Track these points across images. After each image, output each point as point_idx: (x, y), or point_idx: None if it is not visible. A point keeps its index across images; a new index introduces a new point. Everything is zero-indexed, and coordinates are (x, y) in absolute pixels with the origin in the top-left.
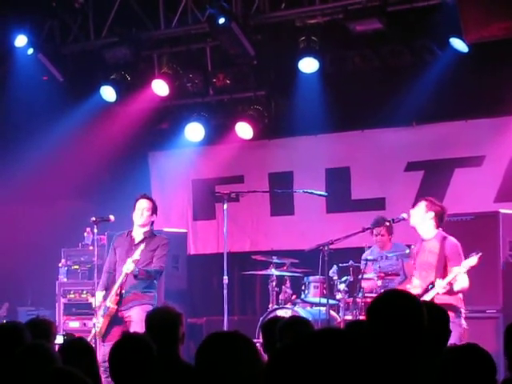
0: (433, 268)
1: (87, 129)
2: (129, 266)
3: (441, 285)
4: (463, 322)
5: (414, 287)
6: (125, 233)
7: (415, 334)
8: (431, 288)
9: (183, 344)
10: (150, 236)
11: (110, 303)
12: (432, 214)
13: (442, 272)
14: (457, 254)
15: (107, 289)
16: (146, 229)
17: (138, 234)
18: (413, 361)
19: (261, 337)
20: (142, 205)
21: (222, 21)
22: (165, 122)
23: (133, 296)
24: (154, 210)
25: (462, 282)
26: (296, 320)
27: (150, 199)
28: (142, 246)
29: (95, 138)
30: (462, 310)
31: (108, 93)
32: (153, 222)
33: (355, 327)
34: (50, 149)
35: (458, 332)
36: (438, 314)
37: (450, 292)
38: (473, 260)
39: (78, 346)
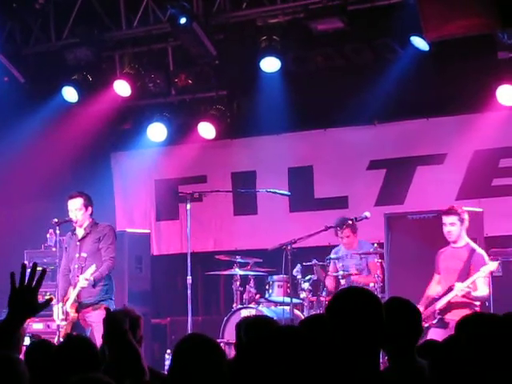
0: (457, 274)
1: (49, 130)
2: (82, 284)
3: (460, 287)
4: None
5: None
6: (70, 231)
7: (374, 330)
8: (449, 291)
9: (141, 347)
10: (92, 227)
11: (71, 311)
12: (466, 223)
13: (465, 277)
14: (482, 263)
15: (63, 297)
16: (86, 223)
17: (79, 230)
18: (373, 357)
19: (225, 337)
20: (72, 206)
21: (183, 21)
22: (127, 122)
23: (92, 301)
24: (87, 204)
25: (481, 289)
26: (261, 319)
27: (79, 195)
28: (91, 269)
29: (57, 139)
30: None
31: (69, 93)
32: (91, 214)
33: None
34: (11, 150)
35: None
36: (408, 312)
37: (469, 297)
38: (493, 265)
39: (44, 349)
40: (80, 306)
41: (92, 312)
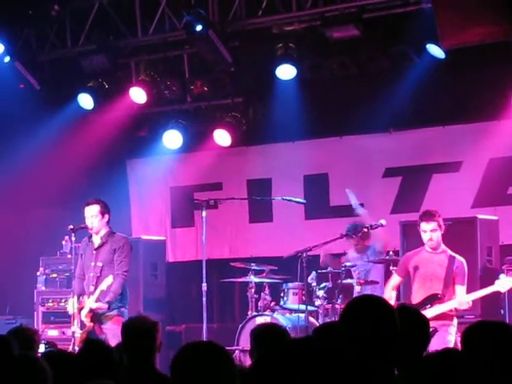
0: (440, 280)
1: (65, 137)
2: (92, 305)
3: (464, 300)
4: (452, 330)
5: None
6: (87, 239)
7: (388, 339)
8: (436, 300)
9: (160, 353)
10: (109, 236)
11: (86, 320)
12: (438, 233)
13: (449, 287)
14: (464, 272)
15: (80, 295)
16: (102, 231)
17: (96, 238)
18: (387, 366)
19: (240, 344)
20: (88, 213)
21: (199, 28)
22: (143, 129)
23: (106, 310)
24: (104, 212)
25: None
26: (272, 328)
27: (96, 202)
28: (106, 282)
29: (73, 146)
30: (455, 321)
31: (86, 100)
32: (108, 222)
33: (324, 332)
34: (27, 157)
35: (452, 339)
36: (417, 321)
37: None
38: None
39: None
40: (95, 316)
41: (106, 321)
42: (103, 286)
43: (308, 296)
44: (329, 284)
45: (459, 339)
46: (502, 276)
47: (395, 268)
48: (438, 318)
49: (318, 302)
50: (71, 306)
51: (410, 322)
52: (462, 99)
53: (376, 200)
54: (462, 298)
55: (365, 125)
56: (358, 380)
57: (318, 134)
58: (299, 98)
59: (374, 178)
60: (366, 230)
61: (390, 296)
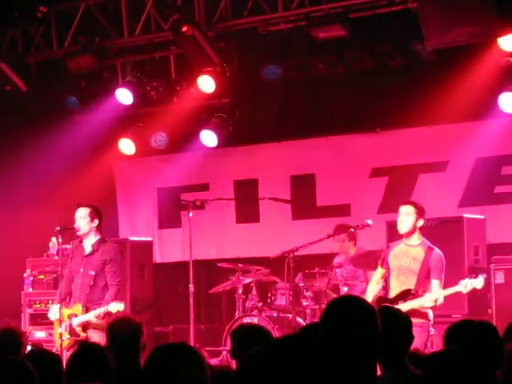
0: (414, 275)
1: (51, 138)
2: (92, 319)
3: (430, 299)
4: (431, 328)
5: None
6: (76, 242)
7: (368, 338)
8: (409, 296)
9: (144, 354)
10: (100, 244)
11: (80, 330)
12: (421, 221)
13: (423, 282)
14: (441, 267)
15: (66, 297)
16: (92, 238)
17: (87, 244)
18: (368, 366)
19: (227, 344)
20: (77, 214)
21: (185, 29)
22: (129, 130)
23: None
24: (94, 216)
25: (441, 298)
26: (253, 328)
27: (87, 205)
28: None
29: (60, 147)
30: (431, 316)
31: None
32: (98, 228)
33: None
34: (13, 157)
35: (425, 337)
36: (399, 320)
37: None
38: (480, 283)
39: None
40: (86, 326)
41: (95, 330)
42: (113, 308)
43: (295, 296)
44: (316, 284)
45: (436, 335)
46: (467, 278)
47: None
48: (411, 314)
49: (305, 303)
50: (53, 313)
51: (391, 321)
52: (448, 99)
53: (363, 200)
54: (429, 296)
55: (351, 125)
56: (340, 379)
57: (304, 134)
58: (285, 98)
59: (361, 178)
60: (352, 229)
61: (372, 288)
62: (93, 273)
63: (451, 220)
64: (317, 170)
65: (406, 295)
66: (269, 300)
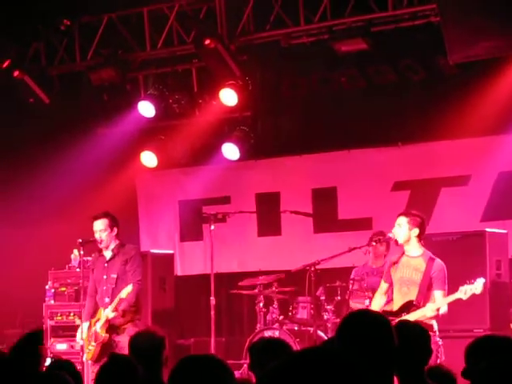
0: (416, 286)
1: (73, 150)
2: (109, 314)
3: (432, 308)
4: (438, 338)
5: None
6: (97, 253)
7: (383, 353)
8: (412, 307)
9: (167, 367)
10: (120, 248)
11: (102, 332)
12: (416, 231)
13: (425, 293)
14: (443, 277)
15: (93, 314)
16: (112, 245)
17: (107, 251)
18: (384, 380)
19: (248, 357)
20: (97, 227)
21: (207, 42)
22: (151, 143)
23: (121, 322)
24: (113, 225)
25: (444, 307)
26: (271, 342)
27: (104, 216)
28: (127, 290)
29: (82, 160)
30: (436, 327)
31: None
32: (117, 234)
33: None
34: (37, 171)
35: (434, 349)
36: (418, 335)
37: (437, 316)
38: (479, 288)
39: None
40: (110, 327)
41: (121, 333)
42: (123, 294)
43: (316, 310)
44: (337, 298)
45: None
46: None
47: None
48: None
49: (326, 316)
50: (80, 335)
51: (409, 335)
52: (471, 113)
53: (385, 213)
54: (431, 306)
55: (373, 138)
56: None
57: (326, 147)
58: (307, 111)
59: (383, 192)
60: (374, 243)
61: (376, 303)
62: (115, 276)
63: (473, 234)
64: (338, 184)
65: (408, 307)
66: (290, 313)
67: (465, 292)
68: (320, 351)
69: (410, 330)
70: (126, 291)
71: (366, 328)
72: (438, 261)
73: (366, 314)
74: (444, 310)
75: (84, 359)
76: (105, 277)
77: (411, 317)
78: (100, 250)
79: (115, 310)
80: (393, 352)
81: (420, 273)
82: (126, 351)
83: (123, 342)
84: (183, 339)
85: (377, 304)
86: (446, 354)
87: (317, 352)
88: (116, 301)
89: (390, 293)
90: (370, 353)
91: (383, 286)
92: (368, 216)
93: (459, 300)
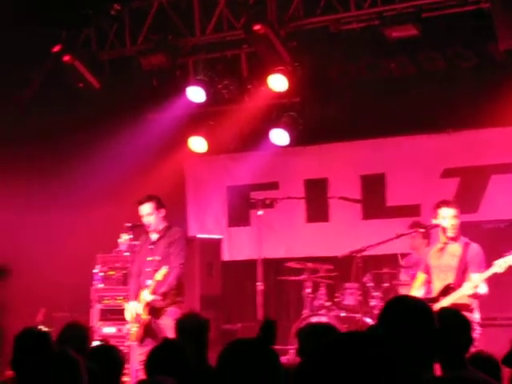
0: (453, 271)
1: (122, 135)
2: (147, 297)
3: (470, 286)
4: (476, 326)
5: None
6: (144, 235)
7: (425, 337)
8: (450, 290)
9: (211, 351)
10: (166, 230)
11: (143, 314)
12: (459, 221)
13: (461, 276)
14: (479, 260)
15: (137, 297)
16: (160, 227)
17: (154, 233)
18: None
19: (295, 343)
20: (142, 211)
21: (257, 27)
22: (200, 128)
23: (161, 304)
24: (159, 207)
25: (482, 287)
26: (320, 327)
27: (149, 200)
28: (161, 272)
29: (131, 144)
30: (477, 316)
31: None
32: (164, 216)
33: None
34: (85, 155)
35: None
36: (459, 322)
37: (476, 296)
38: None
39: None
40: (152, 310)
41: (163, 315)
42: (158, 276)
43: (364, 296)
44: (385, 284)
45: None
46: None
47: None
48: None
49: (373, 303)
50: (129, 313)
51: (450, 322)
52: None
53: (433, 201)
54: (468, 284)
55: (423, 125)
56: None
57: (375, 133)
58: (356, 97)
59: (432, 179)
60: (422, 230)
61: (415, 294)
62: (159, 258)
63: None
64: (387, 170)
65: (446, 290)
66: (337, 299)
67: (499, 266)
68: (362, 336)
69: (450, 316)
70: (161, 273)
71: (406, 313)
72: (474, 245)
73: (407, 299)
74: (484, 289)
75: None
76: (149, 258)
77: (450, 299)
78: (147, 232)
79: (153, 292)
80: (433, 337)
81: (456, 257)
82: (167, 333)
83: (164, 324)
84: (230, 324)
85: (418, 292)
86: (495, 342)
87: (359, 336)
88: (153, 283)
89: (427, 284)
90: (411, 338)
91: (421, 276)
92: (416, 203)
93: (509, 288)
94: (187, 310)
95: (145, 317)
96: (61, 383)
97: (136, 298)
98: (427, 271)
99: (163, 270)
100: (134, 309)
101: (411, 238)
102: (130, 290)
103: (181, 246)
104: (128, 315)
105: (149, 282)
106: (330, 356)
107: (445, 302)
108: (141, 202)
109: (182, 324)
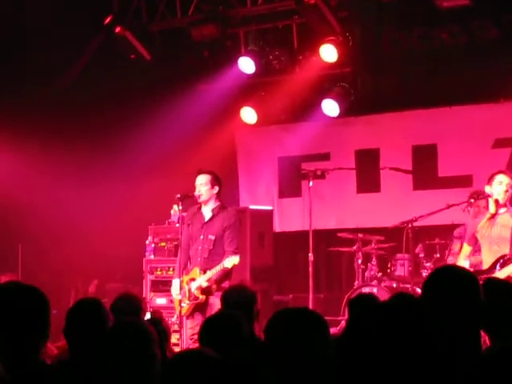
0: (507, 242)
1: (174, 106)
2: (203, 284)
3: None
4: None
5: (477, 262)
6: (195, 209)
7: (469, 309)
8: (507, 261)
9: (258, 321)
10: (220, 210)
11: (198, 293)
12: (511, 191)
13: None
14: None
15: (185, 267)
16: (212, 204)
17: (206, 210)
18: (471, 335)
19: (346, 314)
20: (198, 181)
21: None
22: (251, 99)
23: (214, 287)
24: (214, 183)
25: None
26: (363, 297)
27: (207, 172)
28: (208, 275)
29: (182, 115)
30: None
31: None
32: (218, 194)
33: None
34: (137, 126)
35: None
36: (508, 293)
37: None
38: None
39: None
40: (205, 289)
41: (211, 296)
42: (229, 264)
43: (415, 267)
44: (436, 255)
45: None
46: None
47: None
48: (510, 280)
49: (425, 273)
50: (175, 289)
51: (499, 292)
52: None
53: (485, 171)
54: None
55: (474, 94)
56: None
57: (426, 103)
58: (407, 67)
59: (483, 149)
60: (472, 200)
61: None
62: (213, 237)
63: None
64: (439, 140)
65: (501, 261)
66: (388, 270)
67: None
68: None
69: (498, 287)
70: (233, 262)
71: (450, 283)
72: None
73: (452, 269)
74: None
75: (177, 313)
76: (201, 236)
77: (506, 271)
78: (199, 207)
79: (209, 281)
80: (479, 308)
81: (509, 228)
82: (215, 310)
83: (212, 303)
84: (281, 295)
85: (464, 263)
86: None
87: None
88: (218, 269)
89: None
90: (455, 308)
91: (466, 249)
92: (468, 173)
93: None
94: (237, 282)
95: (200, 296)
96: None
97: (183, 274)
98: (474, 243)
99: (235, 260)
100: (186, 286)
101: (475, 207)
102: (177, 264)
103: (236, 231)
104: (173, 290)
105: (199, 259)
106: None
107: (500, 274)
108: (200, 172)
109: (227, 296)
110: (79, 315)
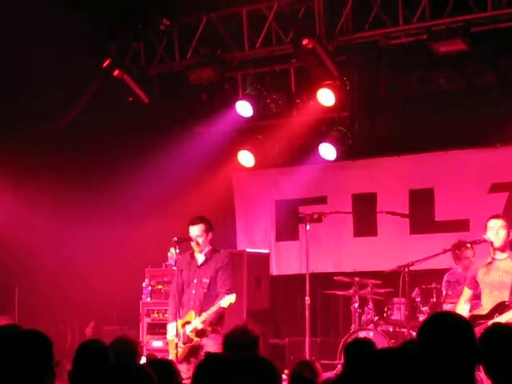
0: (507, 288)
1: (171, 148)
2: (198, 326)
3: None
4: None
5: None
6: (187, 254)
7: (465, 353)
8: (506, 308)
9: None
10: (213, 253)
11: (193, 335)
12: (506, 231)
13: None
14: None
15: (177, 314)
16: (206, 249)
17: (199, 255)
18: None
19: (342, 358)
20: (193, 232)
21: (305, 42)
22: (249, 142)
23: (208, 329)
24: (208, 230)
25: None
26: (359, 342)
27: (199, 221)
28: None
29: (180, 158)
30: None
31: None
32: (211, 239)
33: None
34: (134, 168)
35: None
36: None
37: None
38: None
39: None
40: (200, 331)
41: (205, 337)
42: (225, 303)
43: (412, 311)
44: (433, 299)
45: None
46: None
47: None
48: None
49: (421, 318)
50: (171, 333)
51: (501, 339)
52: None
53: (481, 216)
54: None
55: (471, 139)
56: None
57: (423, 148)
58: (405, 111)
59: (480, 194)
60: (469, 245)
61: (462, 309)
62: (207, 280)
63: None
64: (436, 185)
65: (500, 308)
66: (385, 314)
67: None
68: (395, 352)
69: (502, 333)
70: (229, 301)
71: (443, 329)
72: None
73: (446, 315)
74: None
75: (172, 357)
76: (195, 280)
77: (505, 317)
78: (192, 253)
79: (204, 322)
80: (472, 355)
81: (510, 274)
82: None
83: (207, 345)
84: (278, 339)
85: (461, 311)
86: None
87: (392, 353)
88: (214, 310)
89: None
90: (448, 353)
91: (467, 292)
92: (465, 218)
93: None
94: (240, 323)
95: (195, 339)
96: None
97: (176, 318)
98: (475, 287)
99: (231, 298)
100: (180, 330)
101: (461, 258)
102: (170, 310)
103: (229, 271)
104: (170, 335)
105: (191, 303)
106: (361, 373)
107: (499, 320)
108: (192, 223)
109: (230, 339)
110: (85, 358)
